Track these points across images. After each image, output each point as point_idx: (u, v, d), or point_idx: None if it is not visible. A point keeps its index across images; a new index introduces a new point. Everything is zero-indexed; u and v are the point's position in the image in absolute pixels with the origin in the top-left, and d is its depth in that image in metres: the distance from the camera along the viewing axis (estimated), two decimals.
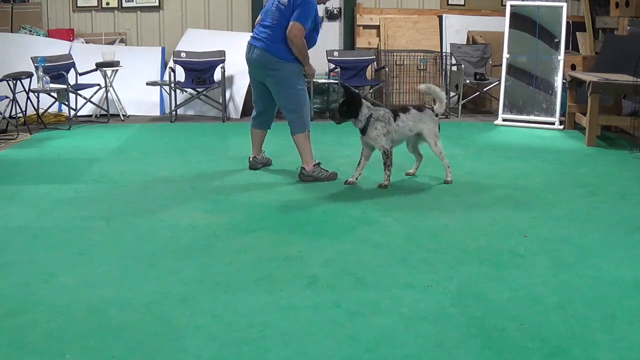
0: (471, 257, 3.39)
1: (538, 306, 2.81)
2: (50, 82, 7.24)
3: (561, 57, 7.47)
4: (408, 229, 3.87)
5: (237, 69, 7.95)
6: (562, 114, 7.47)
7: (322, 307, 2.80)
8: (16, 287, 2.99)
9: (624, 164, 5.66)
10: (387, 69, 8.26)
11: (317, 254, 3.44)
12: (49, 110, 7.73)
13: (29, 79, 7.15)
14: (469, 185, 4.91)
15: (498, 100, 7.91)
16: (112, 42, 8.80)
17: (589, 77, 6.55)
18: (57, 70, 7.49)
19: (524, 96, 7.70)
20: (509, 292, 2.95)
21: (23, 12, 8.73)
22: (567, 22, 7.69)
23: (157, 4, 9.01)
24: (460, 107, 8.22)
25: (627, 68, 6.55)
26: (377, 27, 9.07)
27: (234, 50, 7.85)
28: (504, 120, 7.74)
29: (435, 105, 5.00)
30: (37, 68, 7.18)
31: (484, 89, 8.42)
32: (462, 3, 9.30)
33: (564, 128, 7.37)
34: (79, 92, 7.69)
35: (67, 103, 7.45)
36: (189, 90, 8.11)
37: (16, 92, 6.99)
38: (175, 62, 7.92)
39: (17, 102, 6.98)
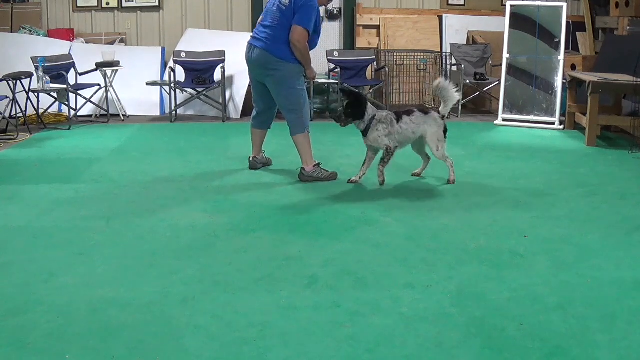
0: (471, 257, 3.39)
1: (538, 306, 2.81)
2: (50, 82, 7.24)
3: (561, 57, 7.47)
4: (408, 229, 3.87)
5: (237, 69, 7.94)
6: (562, 114, 7.47)
7: (322, 307, 2.80)
8: (16, 287, 2.99)
9: (624, 164, 5.66)
10: (387, 69, 8.26)
11: (317, 254, 3.44)
12: (49, 110, 7.73)
13: (29, 79, 7.15)
14: (469, 185, 4.91)
15: (498, 100, 7.91)
16: (112, 42, 8.80)
17: (589, 77, 6.55)
18: (57, 70, 7.49)
19: (524, 96, 7.70)
20: (509, 292, 2.95)
21: (23, 12, 8.73)
22: (567, 22, 7.69)
23: (157, 4, 9.01)
24: (460, 107, 8.21)
25: (627, 68, 6.55)
26: (377, 27, 9.07)
27: (234, 50, 7.85)
28: (504, 120, 7.74)
29: (440, 106, 4.95)
30: (37, 68, 7.18)
31: (484, 89, 8.42)
32: (462, 3, 9.30)
33: (564, 128, 7.37)
34: (79, 92, 7.68)
35: (67, 103, 7.45)
36: (189, 90, 8.11)
37: (16, 92, 6.99)
38: (175, 62, 7.92)
39: (17, 102, 6.98)
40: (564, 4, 7.55)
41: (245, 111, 7.94)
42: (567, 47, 7.90)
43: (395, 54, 8.43)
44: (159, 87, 8.27)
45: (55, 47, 8.09)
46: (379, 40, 8.99)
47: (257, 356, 2.40)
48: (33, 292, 2.94)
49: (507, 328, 2.61)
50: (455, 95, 4.90)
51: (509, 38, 7.72)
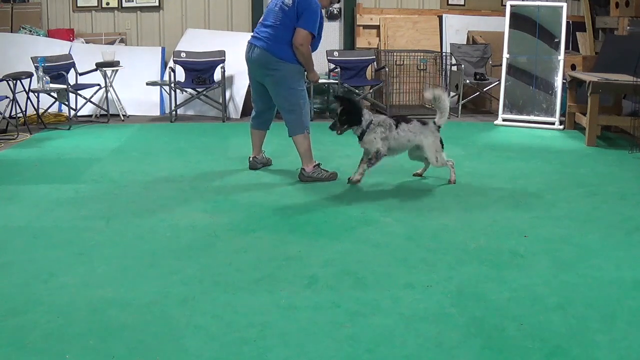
0: (471, 257, 3.39)
1: (538, 306, 2.81)
2: (50, 82, 7.24)
3: (561, 57, 7.47)
4: (408, 229, 3.87)
5: (237, 69, 7.94)
6: (562, 114, 7.47)
7: (322, 307, 2.80)
8: (16, 287, 3.00)
9: (624, 164, 5.66)
10: (387, 69, 8.26)
11: (317, 254, 3.44)
12: (49, 110, 7.73)
13: (29, 79, 7.15)
14: (469, 185, 4.91)
15: (498, 100, 7.91)
16: (112, 42, 8.80)
17: (589, 77, 6.55)
18: (57, 70, 7.49)
19: (524, 96, 7.70)
20: (509, 292, 2.96)
21: (23, 12, 8.73)
22: (567, 22, 7.68)
23: (157, 4, 9.01)
24: (460, 107, 8.22)
25: (627, 68, 6.55)
26: (377, 27, 9.07)
27: (234, 50, 7.85)
28: (504, 120, 7.74)
29: (437, 117, 4.92)
30: (37, 68, 7.18)
31: (484, 89, 8.42)
32: (462, 3, 9.30)
33: (564, 128, 7.37)
34: (79, 92, 7.68)
35: (67, 103, 7.45)
36: (189, 90, 8.11)
37: (16, 92, 6.99)
38: (175, 62, 7.92)
39: (17, 102, 6.98)
40: (564, 4, 7.55)
41: (245, 111, 7.94)
42: (567, 47, 7.90)
43: (395, 54, 8.43)
44: (159, 87, 8.27)
45: (55, 47, 8.09)
46: (379, 40, 8.99)
47: (257, 356, 2.40)
48: (33, 292, 2.94)
49: (507, 328, 2.61)
50: (448, 105, 4.92)
51: (509, 38, 7.72)
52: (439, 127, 4.88)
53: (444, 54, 8.69)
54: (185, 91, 8.14)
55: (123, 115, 8.01)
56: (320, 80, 7.93)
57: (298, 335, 2.56)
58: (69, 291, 2.95)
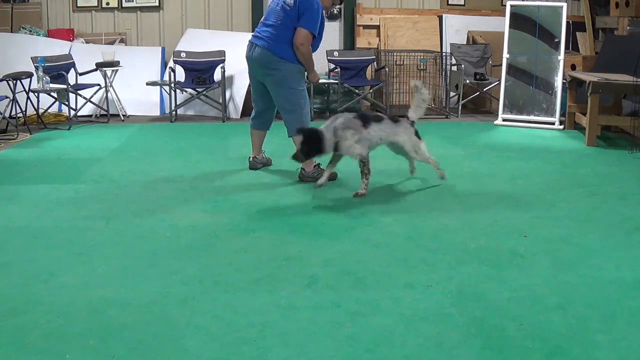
0: (471, 257, 3.39)
1: (538, 306, 2.81)
2: (50, 82, 7.24)
3: (561, 57, 7.47)
4: (408, 229, 3.87)
5: (237, 69, 7.94)
6: (562, 114, 7.47)
7: (322, 307, 2.80)
8: (16, 287, 3.00)
9: (624, 164, 5.66)
10: (387, 69, 8.26)
11: (317, 254, 3.44)
12: (49, 110, 7.74)
13: (29, 79, 7.15)
14: (469, 185, 4.91)
15: (498, 100, 7.91)
16: (112, 42, 8.80)
17: (589, 77, 6.55)
18: (57, 70, 7.49)
19: (524, 96, 7.70)
20: (509, 292, 2.96)
21: (23, 12, 8.73)
22: (567, 22, 7.68)
23: (157, 4, 9.01)
24: (460, 107, 8.22)
25: (627, 68, 6.55)
26: (377, 27, 9.07)
27: (234, 50, 7.85)
28: (504, 120, 7.74)
29: (410, 111, 4.81)
30: (37, 68, 7.18)
31: (484, 89, 8.42)
32: (462, 3, 9.30)
33: (564, 128, 7.36)
34: (79, 92, 7.69)
35: (67, 103, 7.45)
36: (189, 90, 8.11)
37: (16, 92, 6.99)
38: (175, 62, 7.92)
39: (17, 102, 6.98)
40: (564, 4, 7.55)
41: (245, 111, 7.93)
42: (567, 47, 7.89)
43: (395, 54, 8.42)
44: (159, 87, 8.27)
45: (55, 47, 8.09)
46: (379, 40, 8.99)
47: (257, 356, 2.40)
48: (33, 292, 2.95)
49: (507, 328, 2.61)
50: (426, 102, 4.82)
51: (509, 38, 7.72)
52: (413, 122, 4.76)
53: (444, 54, 8.69)
54: (185, 91, 8.14)
55: (123, 115, 8.01)
56: (320, 80, 7.97)
57: (298, 335, 2.56)
58: (69, 291, 2.95)
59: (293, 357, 2.40)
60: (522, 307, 2.81)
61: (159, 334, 2.56)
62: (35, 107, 7.32)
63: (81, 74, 7.84)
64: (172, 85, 7.82)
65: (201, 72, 8.04)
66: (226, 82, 8.00)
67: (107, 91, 7.86)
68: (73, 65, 7.83)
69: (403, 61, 8.42)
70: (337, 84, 8.07)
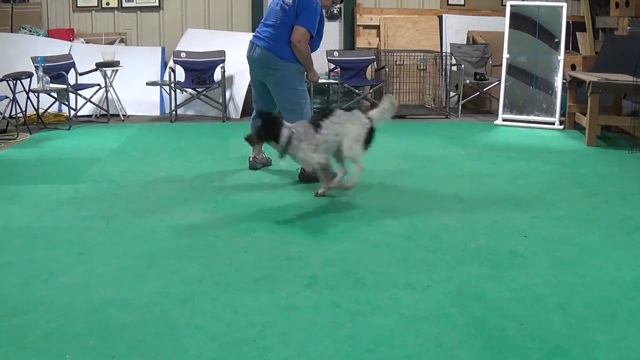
0: (471, 257, 3.39)
1: (538, 306, 2.81)
2: (50, 82, 7.24)
3: (561, 57, 7.47)
4: (408, 229, 3.87)
5: (237, 69, 7.94)
6: (562, 114, 7.47)
7: (322, 307, 2.80)
8: (16, 287, 3.00)
9: (624, 164, 5.66)
10: (387, 69, 8.26)
11: (317, 254, 3.44)
12: (49, 110, 7.73)
13: (29, 79, 7.15)
14: (469, 185, 4.91)
15: (498, 100, 7.91)
16: (112, 42, 8.80)
17: (589, 77, 6.55)
18: (57, 70, 7.49)
19: (524, 96, 7.70)
20: (509, 292, 2.96)
21: (23, 12, 8.73)
22: (567, 22, 7.68)
23: (157, 4, 9.01)
24: (460, 107, 8.22)
25: (627, 68, 6.55)
26: (377, 27, 9.07)
27: (234, 50, 7.85)
28: (504, 120, 7.74)
29: (373, 110, 4.61)
30: (37, 68, 7.18)
31: (484, 89, 8.42)
32: (462, 3, 9.30)
33: (564, 128, 7.36)
34: (79, 92, 7.68)
35: (67, 103, 7.45)
36: (189, 90, 8.11)
37: (16, 92, 6.99)
38: (175, 62, 7.92)
39: (17, 102, 6.98)
40: (564, 4, 7.54)
41: (245, 111, 7.94)
42: (567, 47, 7.89)
43: (395, 54, 8.42)
44: (159, 87, 8.27)
45: (55, 47, 8.09)
46: (379, 40, 8.99)
47: (257, 356, 2.40)
48: (33, 292, 2.95)
49: (507, 328, 2.61)
50: (391, 111, 4.61)
51: (509, 38, 7.72)
52: (371, 119, 4.50)
53: (444, 54, 8.69)
54: (185, 91, 8.14)
55: (123, 115, 8.01)
56: (320, 80, 7.98)
57: (298, 335, 2.56)
58: (69, 291, 2.95)
59: (293, 357, 2.40)
60: (522, 307, 2.81)
61: (159, 334, 2.56)
62: (35, 107, 7.32)
63: (81, 74, 7.84)
64: (172, 85, 7.82)
65: (201, 72, 8.04)
66: (226, 82, 8.00)
67: (107, 91, 7.86)
68: (73, 65, 7.83)
69: (403, 61, 8.42)
70: (337, 84, 8.07)
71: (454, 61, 8.56)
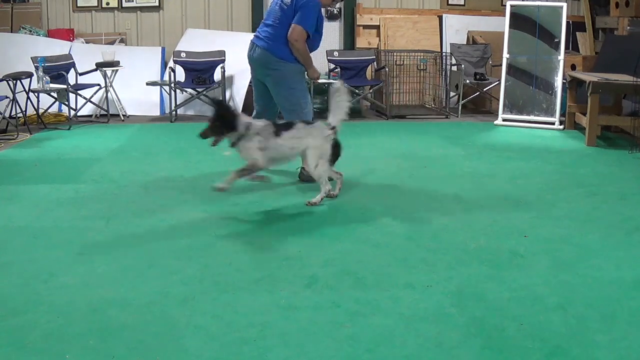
0: (471, 257, 3.39)
1: (538, 306, 2.81)
2: (50, 82, 7.24)
3: (561, 57, 7.47)
4: (408, 229, 3.87)
5: (237, 69, 7.94)
6: (562, 114, 7.47)
7: (322, 307, 2.80)
8: (16, 287, 3.00)
9: (624, 164, 5.66)
10: (387, 69, 8.25)
11: (317, 254, 3.44)
12: (49, 110, 7.73)
13: (29, 79, 7.15)
14: (469, 185, 4.91)
15: (498, 100, 7.91)
16: (112, 42, 8.80)
17: (589, 77, 6.55)
18: (57, 70, 7.49)
19: (524, 96, 7.70)
20: (509, 292, 2.96)
21: (23, 12, 8.73)
22: (567, 22, 7.68)
23: (157, 4, 9.01)
24: (460, 107, 8.22)
25: (627, 68, 6.55)
26: (377, 27, 9.07)
27: (234, 50, 7.85)
28: (504, 120, 7.74)
29: (329, 115, 4.36)
30: (37, 68, 7.18)
31: (484, 89, 8.42)
32: (462, 3, 9.30)
33: (564, 128, 7.36)
34: (79, 92, 7.68)
35: (67, 103, 7.45)
36: (189, 90, 8.11)
37: (16, 92, 6.99)
38: (175, 62, 7.92)
39: (17, 102, 6.98)
40: (564, 4, 7.54)
41: (245, 111, 7.92)
42: (567, 47, 7.89)
43: (395, 54, 8.42)
44: (159, 87, 8.27)
45: (55, 47, 8.09)
46: (379, 40, 8.99)
47: (257, 356, 2.40)
48: (33, 292, 2.95)
49: (507, 328, 2.61)
50: (345, 106, 4.34)
51: (509, 38, 7.72)
52: (334, 127, 4.30)
53: (444, 54, 8.69)
54: (185, 91, 8.14)
55: (123, 115, 8.00)
56: (320, 80, 7.98)
57: (298, 335, 2.56)
58: (69, 291, 2.95)
59: (293, 357, 2.40)
60: (522, 307, 2.81)
61: (159, 334, 2.56)
62: (35, 107, 7.32)
63: (81, 74, 7.84)
64: (172, 85, 7.82)
65: (201, 72, 8.04)
66: (226, 82, 8.00)
67: (107, 91, 7.86)
68: (73, 65, 7.83)
69: (403, 61, 8.42)
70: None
71: (454, 61, 8.56)
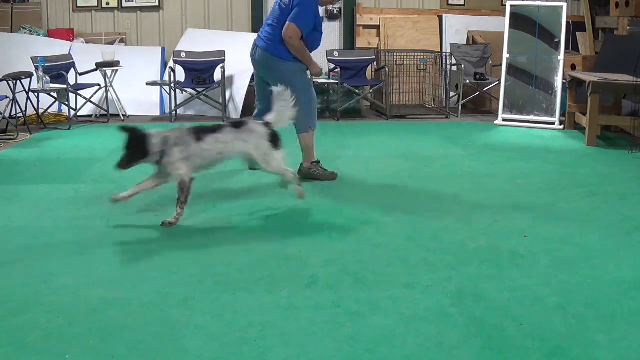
0: (471, 257, 3.39)
1: (538, 306, 2.81)
2: (50, 82, 7.24)
3: (561, 57, 7.47)
4: (408, 229, 3.87)
5: (237, 69, 7.94)
6: (562, 114, 7.47)
7: (322, 307, 2.80)
8: (16, 287, 3.00)
9: (624, 164, 5.66)
10: (387, 69, 8.25)
11: (317, 254, 3.44)
12: (49, 110, 7.73)
13: (29, 79, 7.15)
14: (469, 185, 4.91)
15: (498, 100, 7.91)
16: (112, 42, 8.80)
17: (589, 77, 6.55)
18: (57, 70, 7.49)
19: (524, 96, 7.70)
20: (509, 292, 2.95)
21: (23, 12, 8.73)
22: (567, 22, 7.68)
23: (157, 4, 9.01)
24: (460, 107, 8.22)
25: (627, 68, 6.55)
26: (377, 27, 9.07)
27: (234, 50, 7.85)
28: (504, 120, 7.74)
29: (271, 115, 4.24)
30: (37, 68, 7.18)
31: (484, 89, 8.42)
32: (462, 3, 9.30)
33: (564, 128, 7.36)
34: (79, 92, 7.69)
35: (67, 103, 7.45)
36: (189, 90, 8.11)
37: (16, 92, 6.98)
38: (175, 62, 7.92)
39: (17, 102, 6.98)
40: (564, 4, 7.54)
41: (245, 111, 7.94)
42: (567, 47, 7.89)
43: (395, 54, 8.42)
44: (159, 87, 8.27)
45: (55, 47, 8.09)
46: (379, 40, 8.99)
47: (257, 356, 2.40)
48: (33, 292, 2.94)
49: (507, 328, 2.61)
50: (287, 112, 4.23)
51: (509, 38, 7.72)
52: (268, 124, 4.16)
53: (444, 54, 8.69)
54: (185, 91, 8.14)
55: (123, 115, 8.00)
56: (320, 80, 7.98)
57: (298, 335, 2.56)
58: (69, 291, 2.95)
59: (293, 357, 2.40)
60: (522, 307, 2.81)
61: (159, 334, 2.56)
62: (35, 107, 7.32)
63: (81, 74, 7.84)
64: (172, 85, 7.82)
65: (201, 72, 8.04)
66: (226, 82, 8.00)
67: (107, 91, 7.86)
68: (73, 65, 7.83)
69: (403, 61, 8.42)
70: (337, 84, 8.07)
71: (454, 61, 8.56)
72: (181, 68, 7.99)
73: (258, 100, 5.26)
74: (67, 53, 8.05)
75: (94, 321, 2.66)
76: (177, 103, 7.98)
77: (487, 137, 7.00)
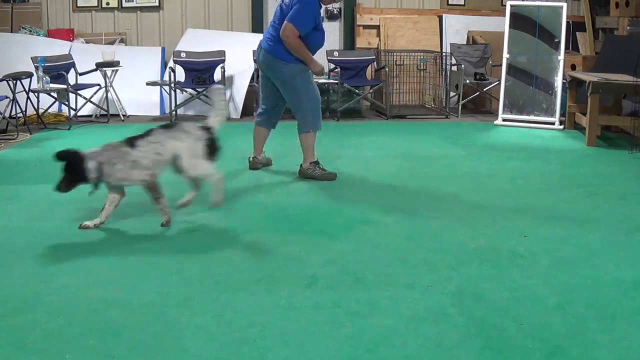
0: (471, 257, 3.39)
1: (538, 306, 2.81)
2: (50, 82, 7.24)
3: (561, 57, 7.47)
4: (408, 229, 3.87)
5: (237, 69, 7.94)
6: (562, 114, 7.47)
7: (322, 307, 2.80)
8: (16, 287, 3.00)
9: (624, 164, 5.66)
10: (387, 69, 8.25)
11: (317, 254, 3.44)
12: (49, 110, 7.74)
13: (29, 79, 7.15)
14: (469, 185, 4.91)
15: (498, 100, 7.91)
16: (112, 42, 8.80)
17: (589, 77, 6.55)
18: (57, 70, 7.49)
19: (524, 96, 7.70)
20: (509, 292, 2.95)
21: (23, 12, 8.73)
22: (567, 22, 7.68)
23: (157, 4, 9.01)
24: (460, 107, 8.22)
25: (627, 68, 6.55)
26: (377, 27, 9.07)
27: (234, 50, 7.86)
28: (504, 120, 7.74)
29: (210, 118, 4.18)
30: (37, 68, 7.18)
31: (484, 89, 8.42)
32: (462, 3, 9.30)
33: (564, 128, 7.36)
34: (79, 92, 7.69)
35: (67, 103, 7.45)
36: (189, 90, 8.11)
37: (16, 92, 6.98)
38: (175, 62, 7.92)
39: (17, 102, 6.98)
40: (564, 4, 7.55)
41: (245, 111, 7.95)
42: (567, 47, 7.89)
43: (395, 54, 8.42)
44: (159, 87, 8.27)
45: (55, 47, 8.09)
46: (379, 40, 8.99)
47: (257, 356, 2.40)
48: (33, 292, 2.94)
49: (507, 328, 2.61)
50: (223, 107, 4.22)
51: (509, 38, 7.72)
52: (208, 128, 4.08)
53: (444, 54, 8.69)
54: (185, 91, 8.14)
55: (123, 115, 8.01)
56: (320, 80, 7.97)
57: (298, 335, 2.56)
58: (69, 291, 2.95)
59: (293, 357, 2.40)
60: (522, 307, 2.81)
61: (159, 334, 2.56)
62: (35, 107, 7.32)
63: (81, 74, 7.84)
64: (172, 85, 7.82)
65: (201, 72, 8.04)
66: (226, 82, 7.99)
67: (107, 91, 7.86)
68: (73, 65, 7.83)
69: (403, 61, 8.42)
70: (337, 84, 8.07)
71: (454, 61, 8.56)
72: (181, 68, 7.99)
73: (262, 99, 5.27)
74: (67, 53, 8.05)
75: (94, 321, 2.66)
76: (177, 103, 7.98)
77: (487, 137, 7.00)
